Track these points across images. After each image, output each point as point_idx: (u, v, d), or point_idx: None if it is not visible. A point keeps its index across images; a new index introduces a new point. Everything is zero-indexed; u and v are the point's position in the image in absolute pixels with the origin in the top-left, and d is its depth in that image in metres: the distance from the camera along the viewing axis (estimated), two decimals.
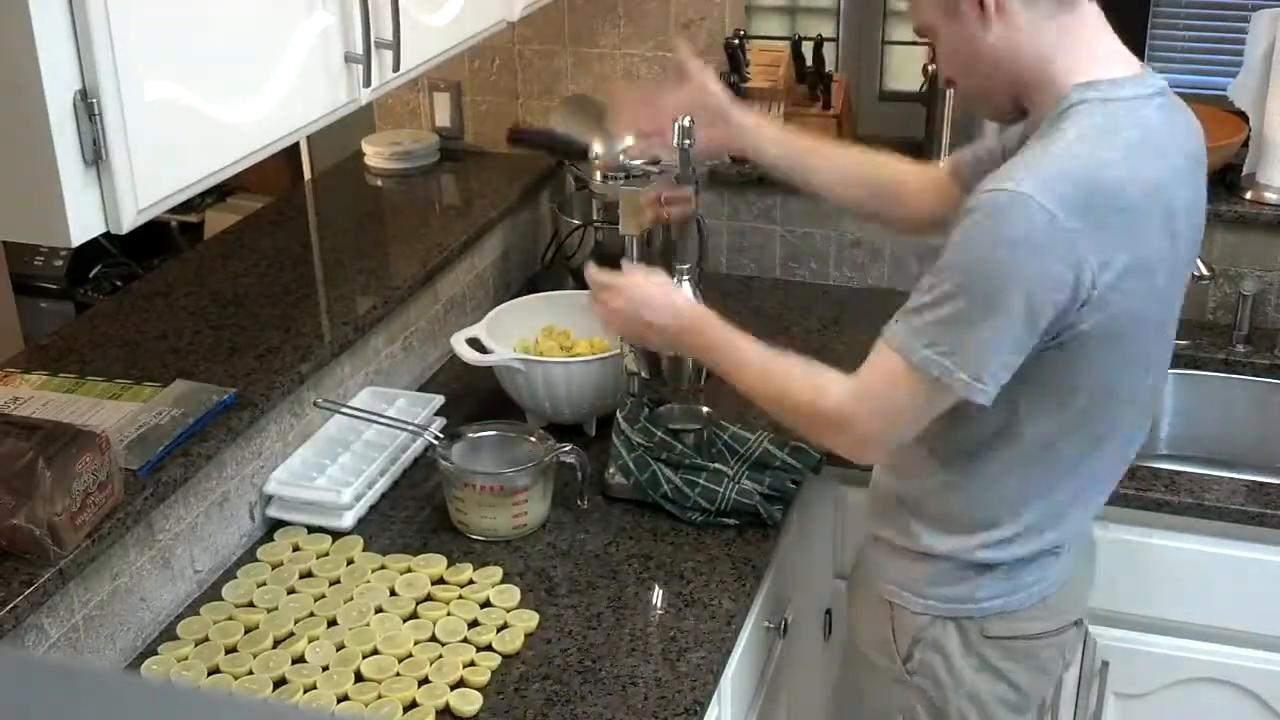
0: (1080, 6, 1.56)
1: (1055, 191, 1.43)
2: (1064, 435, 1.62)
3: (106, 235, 1.33)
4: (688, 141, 1.95)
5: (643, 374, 2.06)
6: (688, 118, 1.92)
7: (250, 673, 1.69)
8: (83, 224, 1.28)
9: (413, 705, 1.64)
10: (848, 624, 1.94)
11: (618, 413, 2.08)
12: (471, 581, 1.86)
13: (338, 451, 2.07)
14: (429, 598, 1.84)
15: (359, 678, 1.69)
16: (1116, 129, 1.50)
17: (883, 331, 1.56)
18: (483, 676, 1.69)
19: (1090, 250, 1.45)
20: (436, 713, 1.63)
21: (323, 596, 1.83)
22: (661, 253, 2.19)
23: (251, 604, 1.82)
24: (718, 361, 1.75)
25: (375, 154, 2.81)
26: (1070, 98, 1.52)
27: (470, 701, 1.64)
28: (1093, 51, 1.55)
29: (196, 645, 1.74)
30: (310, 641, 1.74)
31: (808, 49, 2.71)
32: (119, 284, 3.61)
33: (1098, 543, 1.95)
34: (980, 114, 1.76)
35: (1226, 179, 2.60)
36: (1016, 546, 1.69)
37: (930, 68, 2.66)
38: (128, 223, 1.32)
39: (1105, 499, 1.79)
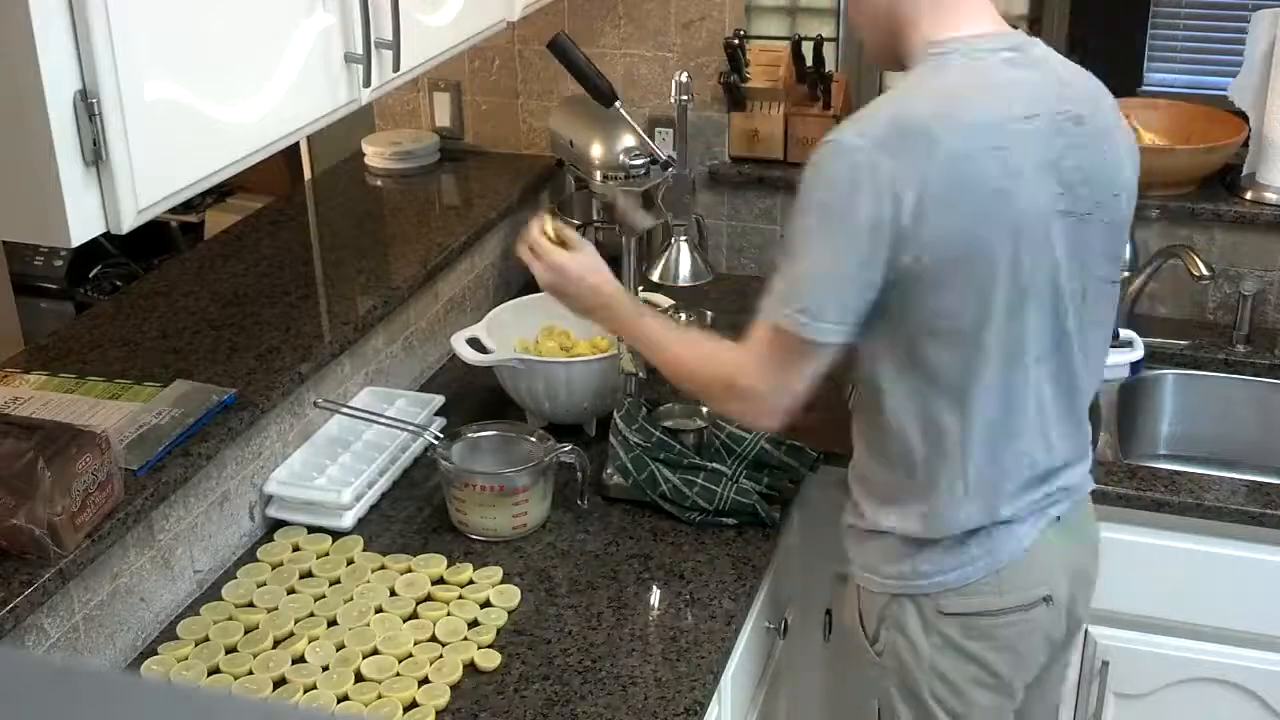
0: None
1: (869, 133, 1.54)
2: (932, 392, 1.65)
3: (106, 235, 1.32)
4: (685, 98, 1.95)
5: (640, 374, 2.06)
6: (684, 73, 1.95)
7: (250, 673, 1.69)
8: (83, 224, 1.27)
9: (413, 705, 1.64)
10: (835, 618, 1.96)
11: (615, 413, 2.08)
12: (471, 581, 1.86)
13: (338, 451, 2.07)
14: (429, 598, 1.84)
15: (359, 678, 1.69)
16: (947, 77, 1.60)
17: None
18: (483, 676, 1.68)
19: (904, 183, 1.52)
20: (437, 712, 1.63)
21: (323, 596, 1.83)
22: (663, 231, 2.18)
23: (251, 604, 1.82)
24: (630, 337, 1.89)
25: (375, 154, 2.81)
26: (928, 52, 1.62)
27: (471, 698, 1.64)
28: (955, 13, 1.63)
29: (196, 645, 1.74)
30: (310, 641, 1.74)
31: (808, 49, 2.71)
32: (119, 284, 3.61)
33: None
34: (869, 58, 1.92)
35: (1226, 179, 2.60)
36: (950, 519, 1.70)
37: None
38: (128, 223, 1.32)
39: (1041, 472, 1.72)
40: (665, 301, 2.19)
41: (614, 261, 2.19)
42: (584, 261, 1.89)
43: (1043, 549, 1.75)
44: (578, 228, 2.60)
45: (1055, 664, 1.89)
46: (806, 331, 1.59)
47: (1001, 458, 1.70)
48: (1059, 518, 1.76)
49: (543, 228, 1.89)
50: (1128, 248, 2.52)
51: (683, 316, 2.11)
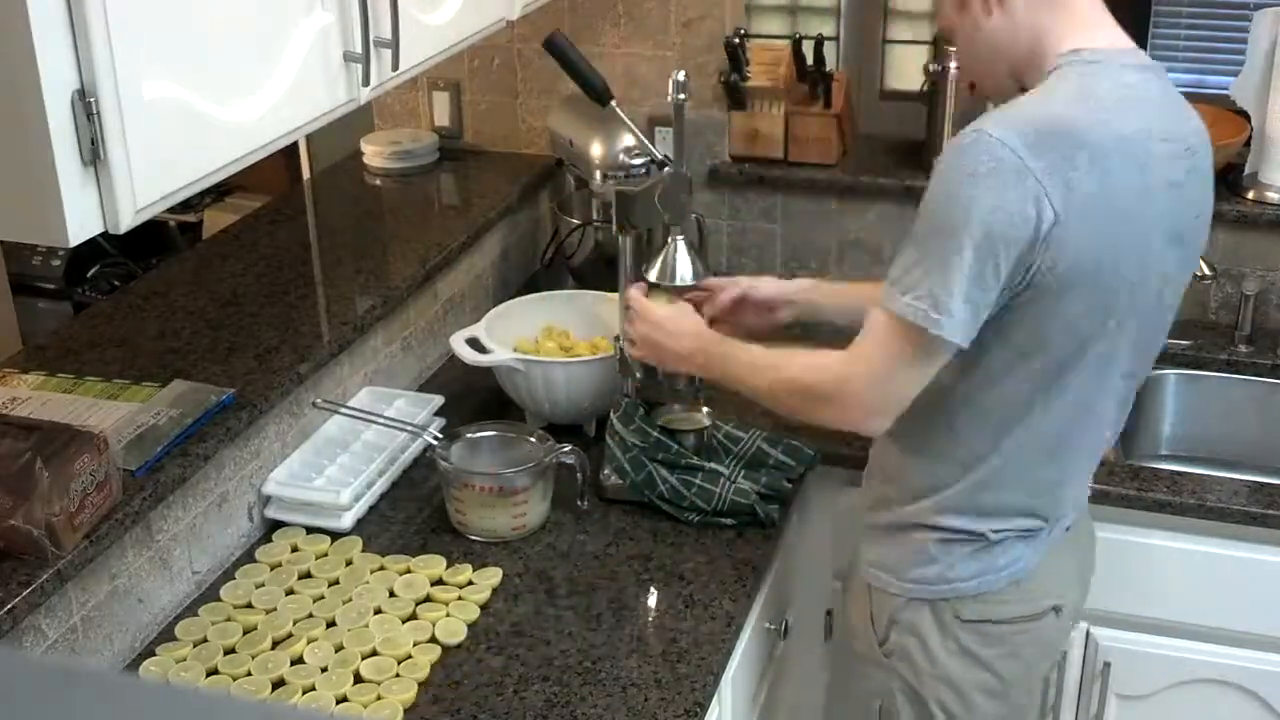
0: None
1: (1016, 130, 1.50)
2: (1036, 394, 1.62)
3: (104, 235, 1.32)
4: (681, 96, 1.95)
5: (638, 374, 2.06)
6: (682, 72, 1.94)
7: (249, 674, 1.68)
8: (81, 224, 1.27)
9: (412, 706, 1.64)
10: (840, 616, 1.95)
11: (612, 413, 2.07)
12: (471, 583, 1.86)
13: (336, 452, 2.06)
14: (428, 599, 1.83)
15: (358, 679, 1.68)
16: (1090, 84, 1.56)
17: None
18: (482, 677, 1.68)
19: (1051, 185, 1.48)
20: (436, 714, 1.62)
21: (321, 597, 1.83)
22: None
23: (250, 605, 1.81)
24: (730, 371, 1.80)
25: (374, 153, 2.80)
26: (1055, 64, 1.59)
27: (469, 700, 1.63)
28: (1085, 27, 1.61)
29: (195, 646, 1.73)
30: (309, 643, 1.74)
31: (808, 48, 2.70)
32: (117, 284, 3.61)
33: (1100, 543, 1.94)
34: (991, 99, 1.83)
35: (1228, 178, 2.59)
36: (996, 524, 1.69)
37: (931, 67, 2.66)
38: (126, 222, 1.31)
39: (1085, 486, 1.79)
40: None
41: (611, 262, 2.19)
42: (678, 311, 1.93)
43: (1056, 559, 1.77)
44: (577, 228, 2.61)
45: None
46: (936, 329, 1.51)
47: (1079, 468, 1.73)
48: (1068, 528, 1.77)
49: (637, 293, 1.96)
50: None
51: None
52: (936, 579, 1.73)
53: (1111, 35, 1.62)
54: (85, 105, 1.24)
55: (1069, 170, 1.48)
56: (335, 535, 1.95)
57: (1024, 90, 1.65)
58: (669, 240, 2.10)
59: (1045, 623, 1.77)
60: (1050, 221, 1.48)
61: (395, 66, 1.77)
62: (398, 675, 1.68)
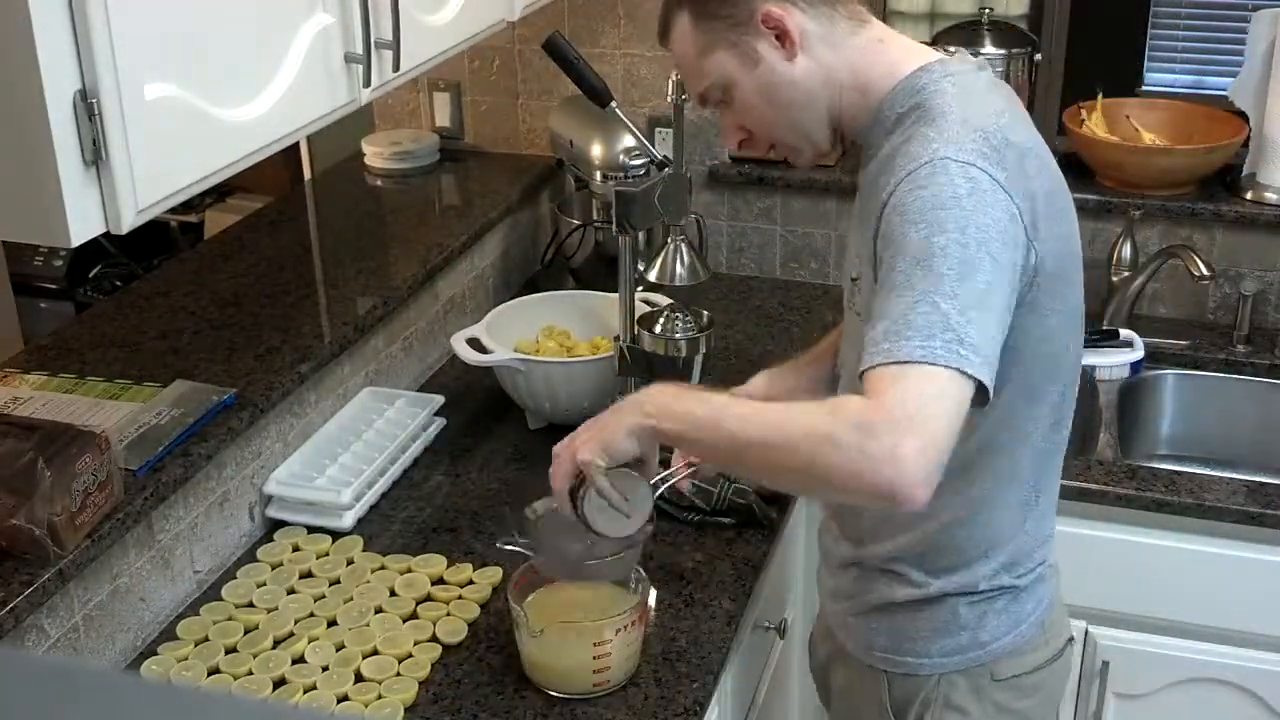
0: (873, 22, 1.56)
1: (972, 147, 1.39)
2: (1048, 424, 1.54)
3: (106, 235, 1.33)
4: (682, 97, 1.95)
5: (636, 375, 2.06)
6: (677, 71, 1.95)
7: (250, 673, 1.69)
8: (82, 224, 1.28)
9: (413, 706, 1.64)
10: (831, 705, 1.82)
11: None
12: (471, 582, 1.86)
13: (338, 452, 2.07)
14: (429, 598, 1.84)
15: (359, 678, 1.69)
16: (973, 87, 1.49)
17: (871, 359, 1.33)
18: (483, 676, 1.68)
19: (1018, 196, 1.39)
20: (437, 713, 1.63)
21: (323, 597, 1.83)
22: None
23: (251, 604, 1.82)
24: (697, 418, 1.45)
25: (375, 154, 2.81)
26: (909, 86, 1.50)
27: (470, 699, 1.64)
28: (903, 52, 1.54)
29: (196, 645, 1.74)
30: (310, 642, 1.74)
31: None
32: (119, 284, 3.61)
33: (1098, 542, 1.95)
34: (800, 159, 1.62)
35: (1227, 179, 2.60)
36: (1021, 568, 1.60)
37: None
38: (127, 223, 1.32)
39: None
40: (664, 301, 2.18)
41: (611, 262, 2.19)
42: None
43: (1058, 588, 1.70)
44: (577, 228, 2.61)
45: None
46: (970, 367, 1.29)
47: (1053, 491, 1.63)
48: None
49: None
50: None
51: (678, 316, 2.10)
52: (970, 645, 1.60)
53: (921, 47, 1.55)
54: (87, 106, 1.24)
55: (1023, 177, 1.41)
56: (336, 534, 1.96)
57: (840, 139, 1.57)
58: (669, 240, 2.11)
59: (1065, 656, 1.69)
60: (1027, 231, 1.40)
61: (396, 67, 1.77)
62: (398, 674, 1.69)
